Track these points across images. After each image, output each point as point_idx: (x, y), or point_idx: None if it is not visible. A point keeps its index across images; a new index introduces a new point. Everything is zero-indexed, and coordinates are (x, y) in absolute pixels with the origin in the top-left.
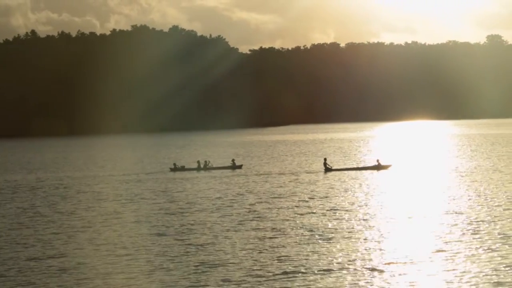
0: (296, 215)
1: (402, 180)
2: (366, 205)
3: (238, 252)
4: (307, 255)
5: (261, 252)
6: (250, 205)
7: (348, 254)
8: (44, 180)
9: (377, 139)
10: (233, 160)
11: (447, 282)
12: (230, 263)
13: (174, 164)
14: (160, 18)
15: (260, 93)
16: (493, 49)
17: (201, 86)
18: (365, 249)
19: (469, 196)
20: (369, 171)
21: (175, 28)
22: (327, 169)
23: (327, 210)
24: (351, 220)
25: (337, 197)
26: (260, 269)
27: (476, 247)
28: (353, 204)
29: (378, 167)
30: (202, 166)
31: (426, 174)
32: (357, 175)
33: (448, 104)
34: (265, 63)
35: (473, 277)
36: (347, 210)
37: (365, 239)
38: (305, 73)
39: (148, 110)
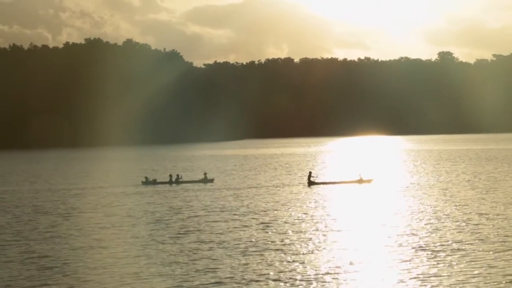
0: (250, 228)
1: (380, 194)
2: (335, 219)
3: (169, 264)
4: (240, 266)
5: (195, 264)
6: (195, 217)
7: (292, 265)
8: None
9: (332, 154)
10: (205, 174)
11: None
12: (161, 274)
13: (146, 178)
14: (113, 31)
15: (215, 107)
16: (444, 66)
17: (157, 100)
18: (309, 261)
19: (435, 209)
20: (351, 185)
21: (129, 42)
22: (311, 183)
23: (288, 223)
24: (309, 232)
25: (298, 210)
26: (191, 280)
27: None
28: (320, 217)
29: (360, 181)
30: (173, 179)
31: (406, 188)
32: (339, 189)
33: (398, 120)
34: (219, 77)
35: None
36: (314, 223)
37: (310, 251)
38: (259, 87)
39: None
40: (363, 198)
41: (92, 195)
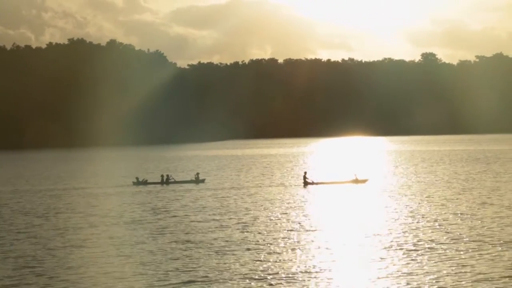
0: (246, 228)
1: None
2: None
3: (145, 264)
4: (221, 265)
5: (172, 263)
6: (177, 217)
7: (271, 264)
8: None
9: (320, 154)
10: (197, 174)
11: None
12: (136, 273)
13: (137, 178)
14: (96, 32)
15: (202, 108)
16: (427, 67)
17: (141, 101)
18: (287, 260)
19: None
20: (346, 185)
21: (112, 42)
22: (306, 183)
23: (277, 222)
24: (294, 231)
25: (290, 211)
26: (167, 279)
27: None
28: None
29: (355, 181)
30: (165, 180)
31: (395, 189)
32: (334, 189)
33: (383, 121)
34: (204, 78)
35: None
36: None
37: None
38: (243, 88)
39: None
40: (354, 198)
41: (80, 195)
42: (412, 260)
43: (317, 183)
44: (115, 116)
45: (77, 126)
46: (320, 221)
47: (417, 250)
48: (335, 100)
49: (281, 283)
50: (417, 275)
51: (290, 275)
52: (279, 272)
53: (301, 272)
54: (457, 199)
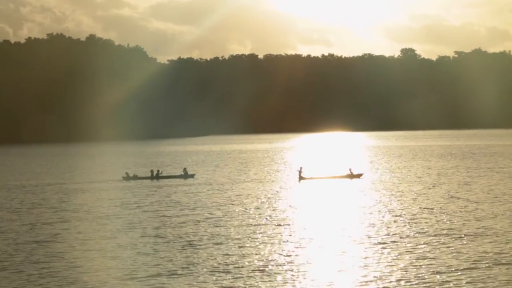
0: (213, 223)
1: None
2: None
3: (111, 258)
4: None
5: (138, 257)
6: (155, 211)
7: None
8: None
9: (300, 150)
10: (184, 169)
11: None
12: (101, 268)
13: (126, 173)
14: (75, 26)
15: (177, 103)
16: (407, 62)
17: (121, 96)
18: (261, 253)
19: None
20: (342, 180)
21: (92, 37)
22: (301, 178)
23: (255, 217)
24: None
25: (273, 207)
26: (134, 273)
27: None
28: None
29: (350, 175)
30: (154, 175)
31: (395, 183)
32: (329, 184)
33: (364, 116)
34: (183, 73)
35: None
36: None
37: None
38: (224, 83)
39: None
40: (338, 193)
41: (62, 191)
42: (376, 252)
43: (312, 178)
44: (101, 111)
45: (69, 120)
46: (296, 215)
47: (383, 243)
48: (315, 95)
49: (247, 276)
50: (379, 267)
51: (257, 269)
52: (246, 266)
53: (267, 265)
54: (425, 193)
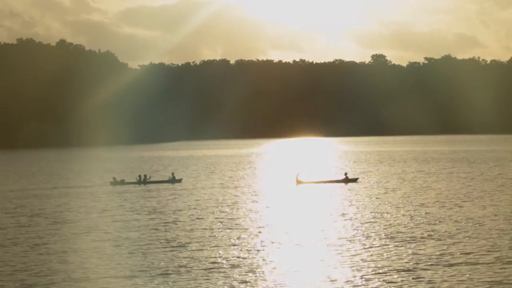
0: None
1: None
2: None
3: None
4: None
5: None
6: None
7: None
8: None
9: (270, 155)
10: (172, 174)
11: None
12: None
13: (114, 178)
14: (44, 31)
15: (151, 108)
16: (378, 68)
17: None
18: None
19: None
20: (337, 184)
21: (62, 42)
22: (299, 182)
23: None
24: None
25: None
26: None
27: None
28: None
29: (346, 180)
30: (142, 180)
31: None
32: (326, 188)
33: (331, 122)
34: (155, 78)
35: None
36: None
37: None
38: (194, 89)
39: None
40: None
41: (48, 196)
42: (321, 256)
43: (309, 182)
44: (79, 117)
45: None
46: (296, 218)
47: (328, 246)
48: (286, 101)
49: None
50: (317, 269)
51: (254, 271)
52: (241, 267)
53: (224, 267)
54: (379, 198)
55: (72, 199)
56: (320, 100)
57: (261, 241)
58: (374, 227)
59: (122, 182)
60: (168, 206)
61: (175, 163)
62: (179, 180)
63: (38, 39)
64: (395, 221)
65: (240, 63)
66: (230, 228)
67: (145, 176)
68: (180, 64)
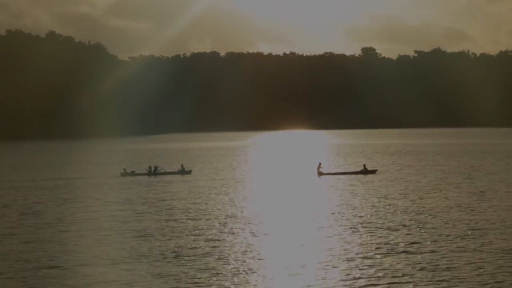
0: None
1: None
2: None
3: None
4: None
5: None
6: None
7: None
8: None
9: (259, 148)
10: (182, 165)
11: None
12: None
13: (124, 169)
14: (32, 23)
15: (143, 101)
16: (368, 61)
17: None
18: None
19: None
20: (357, 176)
21: (52, 34)
22: (320, 173)
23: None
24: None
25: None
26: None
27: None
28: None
29: (365, 171)
30: (152, 171)
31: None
32: (346, 179)
33: (325, 114)
34: (147, 70)
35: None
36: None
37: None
38: (186, 81)
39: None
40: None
41: (57, 187)
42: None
43: (330, 174)
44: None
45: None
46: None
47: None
48: (277, 93)
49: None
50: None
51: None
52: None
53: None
54: (352, 190)
55: (88, 189)
56: (309, 93)
57: (304, 228)
58: (344, 218)
59: (133, 174)
60: (182, 198)
61: (164, 155)
62: (189, 172)
63: (28, 31)
64: (361, 212)
65: (231, 56)
66: (261, 221)
67: (155, 167)
68: (170, 57)
